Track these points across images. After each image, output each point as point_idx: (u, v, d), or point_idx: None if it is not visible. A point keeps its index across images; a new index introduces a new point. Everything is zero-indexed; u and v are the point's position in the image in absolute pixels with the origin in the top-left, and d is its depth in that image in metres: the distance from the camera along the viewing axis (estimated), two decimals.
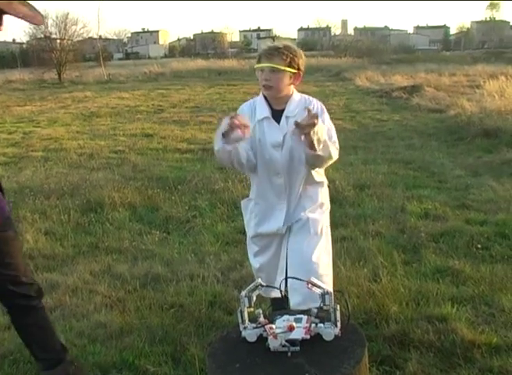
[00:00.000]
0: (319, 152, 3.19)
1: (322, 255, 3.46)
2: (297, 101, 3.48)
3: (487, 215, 6.62)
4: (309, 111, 3.06)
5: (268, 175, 3.50)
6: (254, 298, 2.56)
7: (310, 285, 2.53)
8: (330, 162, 3.41)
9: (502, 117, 12.23)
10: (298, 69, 3.42)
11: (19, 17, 2.51)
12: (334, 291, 2.60)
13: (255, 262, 3.72)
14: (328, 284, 3.18)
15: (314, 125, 3.03)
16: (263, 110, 3.51)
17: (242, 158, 3.37)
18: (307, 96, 3.56)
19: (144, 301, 4.56)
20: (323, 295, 2.49)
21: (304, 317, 2.54)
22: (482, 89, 17.76)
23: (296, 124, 3.03)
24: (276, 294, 3.04)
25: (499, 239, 5.80)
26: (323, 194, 3.62)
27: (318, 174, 3.57)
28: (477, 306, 4.35)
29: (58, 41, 46.06)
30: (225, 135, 3.19)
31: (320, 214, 3.55)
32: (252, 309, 2.55)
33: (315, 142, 3.13)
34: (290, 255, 3.43)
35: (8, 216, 3.13)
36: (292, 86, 3.48)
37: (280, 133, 3.44)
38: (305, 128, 3.04)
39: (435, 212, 6.76)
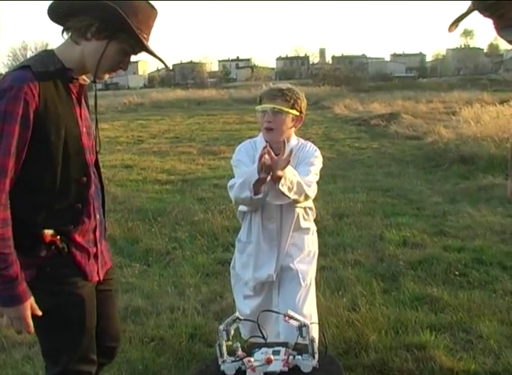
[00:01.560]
0: (284, 191, 3.16)
1: (312, 306, 3.48)
2: (294, 146, 3.43)
3: (464, 241, 6.69)
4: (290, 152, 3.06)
5: (262, 219, 3.47)
6: (232, 332, 2.58)
7: (287, 318, 2.56)
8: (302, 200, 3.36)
9: (478, 143, 12.36)
10: (300, 111, 3.42)
11: (153, 55, 2.54)
12: (311, 323, 2.63)
13: (245, 307, 3.56)
14: (315, 331, 3.17)
15: (286, 163, 3.06)
16: None
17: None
18: (304, 140, 3.56)
19: (124, 335, 4.51)
20: (300, 328, 2.53)
21: (282, 349, 2.57)
22: (458, 116, 17.95)
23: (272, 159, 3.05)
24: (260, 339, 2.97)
25: (476, 265, 5.86)
26: (310, 241, 3.58)
27: (306, 221, 3.55)
28: (455, 333, 4.40)
29: None
30: (256, 186, 3.16)
31: (308, 264, 3.52)
32: (230, 343, 2.57)
33: (284, 185, 3.13)
34: (282, 309, 3.24)
35: None
36: (292, 130, 3.47)
37: None
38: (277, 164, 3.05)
39: (413, 240, 6.82)
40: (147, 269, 6.23)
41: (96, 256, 2.66)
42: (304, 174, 3.32)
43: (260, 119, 3.43)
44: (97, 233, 2.67)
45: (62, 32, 2.47)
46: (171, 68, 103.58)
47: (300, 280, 3.43)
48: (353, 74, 66.57)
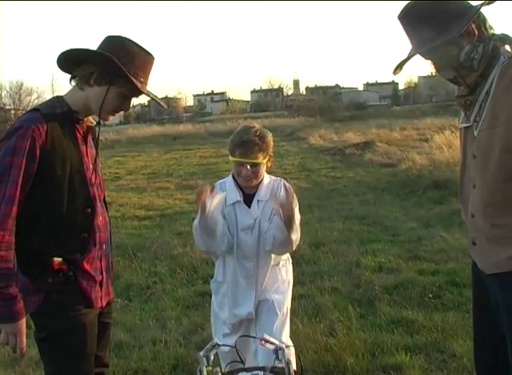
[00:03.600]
0: (292, 236, 3.30)
1: (288, 333, 3.57)
2: (267, 185, 3.54)
3: (438, 265, 6.86)
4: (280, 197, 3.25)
5: (238, 258, 3.52)
6: (212, 357, 2.69)
7: (263, 342, 2.68)
8: (289, 249, 3.49)
9: (450, 168, 12.57)
10: (270, 154, 3.51)
11: (149, 97, 2.82)
12: (287, 346, 2.75)
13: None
14: (292, 356, 3.25)
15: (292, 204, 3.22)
16: (234, 194, 3.52)
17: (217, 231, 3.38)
18: (274, 177, 3.63)
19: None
20: (276, 351, 2.65)
21: (260, 373, 2.68)
22: (431, 142, 18.23)
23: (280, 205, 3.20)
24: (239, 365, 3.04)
25: (450, 287, 6.03)
26: (284, 272, 3.65)
27: (281, 257, 3.62)
28: (430, 353, 4.55)
29: (13, 111, 45.97)
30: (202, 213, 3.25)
31: (283, 293, 3.60)
32: (210, 368, 2.68)
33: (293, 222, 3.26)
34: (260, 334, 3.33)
35: None
36: None
37: (251, 217, 3.49)
38: (287, 207, 3.20)
39: (388, 265, 6.98)
40: (129, 304, 6.31)
41: (101, 284, 2.85)
42: None
43: (234, 167, 3.47)
44: (104, 263, 2.87)
45: (70, 80, 2.76)
46: (146, 104, 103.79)
47: (276, 310, 3.52)
48: (327, 104, 67.15)
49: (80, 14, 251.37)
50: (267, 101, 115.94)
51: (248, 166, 3.38)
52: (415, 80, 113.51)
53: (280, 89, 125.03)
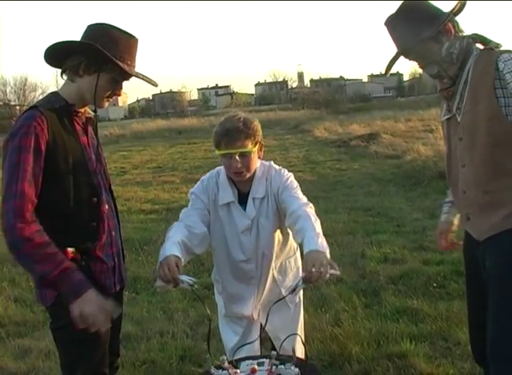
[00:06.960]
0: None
1: (302, 322, 3.54)
2: (261, 178, 3.26)
3: (443, 255, 6.85)
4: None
5: (236, 261, 3.36)
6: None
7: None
8: None
9: None
10: (260, 140, 3.23)
11: (138, 77, 2.84)
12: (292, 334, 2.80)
13: (229, 341, 3.57)
14: (299, 343, 3.24)
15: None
16: (227, 194, 3.28)
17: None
18: (267, 163, 3.35)
19: None
20: None
21: (266, 360, 2.72)
22: (436, 133, 18.20)
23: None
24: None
25: (455, 277, 6.04)
26: (293, 262, 3.49)
27: (285, 244, 3.43)
28: (434, 341, 4.60)
29: (18, 107, 46.15)
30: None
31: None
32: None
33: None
34: (273, 331, 3.37)
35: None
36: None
37: (248, 218, 3.26)
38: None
39: (393, 256, 7.02)
40: (136, 297, 6.37)
41: (114, 269, 2.92)
42: (293, 198, 3.18)
43: (223, 162, 3.21)
44: (115, 249, 2.94)
45: (61, 74, 2.82)
46: (151, 98, 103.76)
47: (289, 303, 3.42)
48: (331, 97, 67.14)
49: (84, 8, 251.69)
50: (271, 94, 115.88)
51: (237, 157, 3.11)
52: (419, 71, 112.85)
53: (285, 82, 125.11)
